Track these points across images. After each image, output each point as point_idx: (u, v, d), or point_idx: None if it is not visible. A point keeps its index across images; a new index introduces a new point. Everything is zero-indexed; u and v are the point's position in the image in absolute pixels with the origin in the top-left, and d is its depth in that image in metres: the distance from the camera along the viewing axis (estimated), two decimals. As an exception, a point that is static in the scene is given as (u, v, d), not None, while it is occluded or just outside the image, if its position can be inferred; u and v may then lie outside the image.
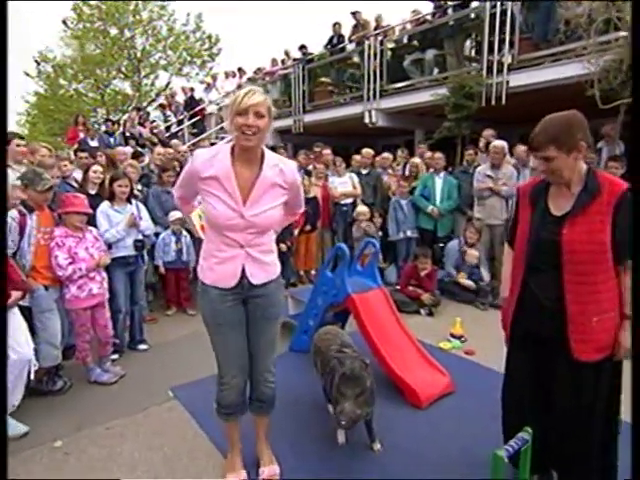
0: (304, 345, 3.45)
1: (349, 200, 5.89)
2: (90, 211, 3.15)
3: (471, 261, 4.88)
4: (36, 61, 19.91)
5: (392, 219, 5.61)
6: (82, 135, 8.54)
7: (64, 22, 18.64)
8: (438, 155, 5.65)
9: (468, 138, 6.30)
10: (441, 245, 5.42)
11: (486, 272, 4.98)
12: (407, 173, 6.15)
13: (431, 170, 5.76)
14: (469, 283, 4.86)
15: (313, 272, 5.85)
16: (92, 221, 3.52)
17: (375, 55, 7.79)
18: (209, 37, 19.88)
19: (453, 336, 3.86)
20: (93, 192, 4.15)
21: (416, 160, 6.18)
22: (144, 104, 18.78)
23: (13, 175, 3.98)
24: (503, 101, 5.88)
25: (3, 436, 2.07)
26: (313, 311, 3.54)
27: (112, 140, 8.55)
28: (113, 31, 18.64)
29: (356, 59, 8.68)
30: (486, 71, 6.09)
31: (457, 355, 3.58)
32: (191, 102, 11.34)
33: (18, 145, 4.08)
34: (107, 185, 3.84)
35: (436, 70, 7.12)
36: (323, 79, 9.37)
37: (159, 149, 5.78)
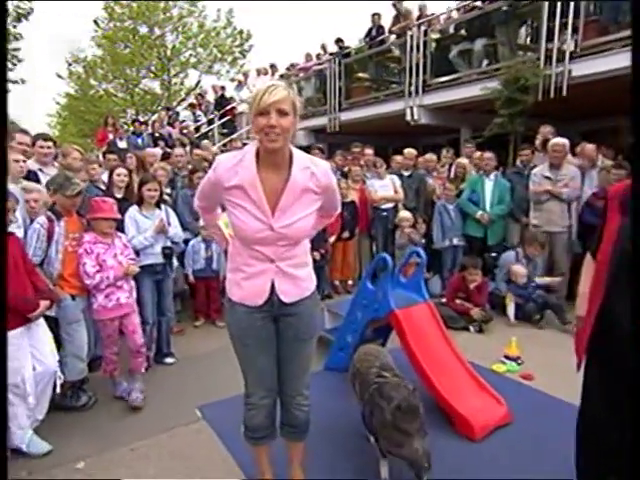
0: (341, 363, 3.36)
1: (390, 205, 5.83)
2: (119, 216, 3.19)
3: (520, 281, 4.63)
4: (67, 62, 20.91)
5: (437, 225, 5.48)
6: (111, 136, 8.85)
7: (95, 22, 19.48)
8: (488, 155, 5.45)
9: (522, 136, 6.06)
10: (492, 255, 5.21)
11: (552, 280, 4.69)
12: (453, 175, 5.97)
13: (480, 171, 5.56)
14: (510, 313, 4.59)
15: (350, 282, 5.79)
16: (120, 226, 3.59)
17: (418, 47, 7.67)
18: (240, 33, 20.28)
19: (508, 357, 3.68)
20: (119, 196, 4.23)
21: (463, 160, 6.01)
22: (174, 104, 19.31)
23: (43, 178, 4.15)
24: (564, 93, 5.62)
25: (3, 436, 2.10)
26: (352, 326, 3.44)
27: (140, 141, 8.79)
28: (143, 29, 19.32)
29: (397, 52, 8.61)
30: (544, 60, 5.86)
31: (513, 379, 3.40)
32: (221, 101, 11.55)
33: (42, 147, 4.25)
34: (136, 189, 3.90)
35: (486, 61, 6.93)
36: (361, 74, 9.34)
37: (179, 150, 5.86)
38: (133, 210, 3.69)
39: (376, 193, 5.82)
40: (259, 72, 11.66)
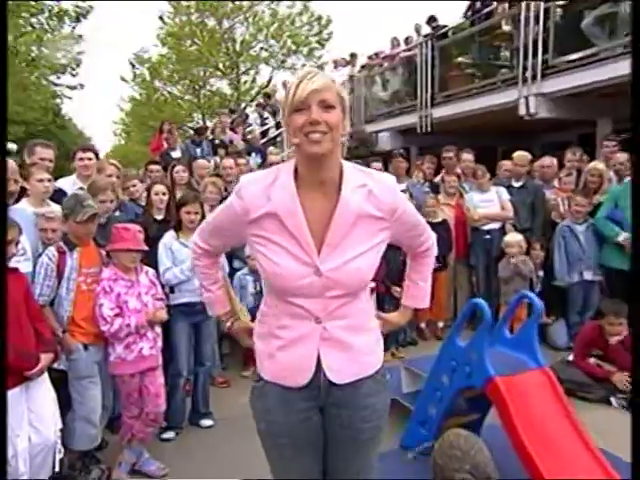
0: (422, 442, 3.11)
1: (495, 225, 5.55)
2: (144, 247, 3.16)
3: None
4: (131, 63, 22.77)
5: (560, 253, 5.09)
6: (165, 145, 9.24)
7: (161, 18, 21.06)
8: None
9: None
10: (643, 296, 4.54)
11: None
12: (582, 185, 5.41)
13: (626, 180, 4.92)
14: None
15: (441, 325, 5.55)
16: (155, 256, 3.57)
17: (537, 18, 7.16)
18: (318, 19, 20.74)
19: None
20: (159, 217, 4.26)
21: (599, 166, 5.42)
22: (243, 105, 20.13)
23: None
24: None
25: (3, 436, 2.13)
26: (435, 394, 3.18)
27: (199, 150, 9.06)
28: (210, 23, 20.44)
29: (507, 27, 8.22)
30: None
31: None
32: (292, 100, 11.66)
33: (82, 159, 4.43)
34: (174, 210, 3.88)
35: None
36: (460, 59, 9.10)
37: (227, 161, 5.86)
38: (169, 237, 3.67)
39: (476, 210, 5.54)
40: (336, 63, 11.74)
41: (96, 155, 4.63)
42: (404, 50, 10.46)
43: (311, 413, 1.66)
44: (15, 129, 16.74)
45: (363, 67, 11.43)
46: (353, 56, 11.65)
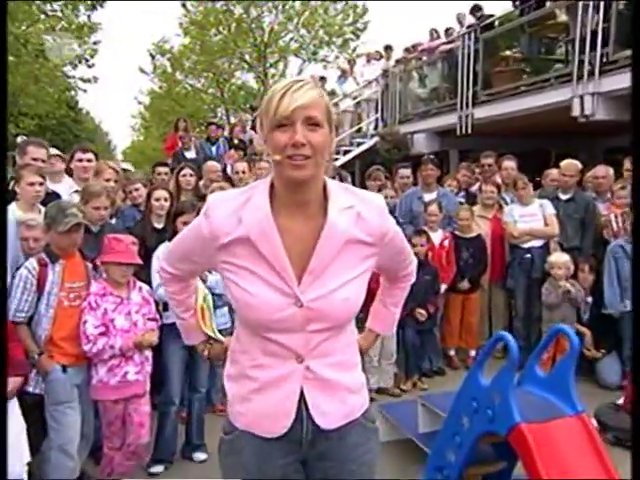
0: None
1: (537, 242, 5.40)
2: (137, 261, 3.17)
3: None
4: (151, 54, 23.22)
5: (612, 276, 4.89)
6: (180, 144, 9.35)
7: (183, 5, 21.40)
8: None
9: None
10: None
11: None
12: (643, 199, 5.20)
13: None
14: None
15: (472, 354, 5.48)
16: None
17: (597, 7, 7.02)
18: (354, 8, 20.76)
19: None
20: (159, 226, 4.26)
21: (660, 177, 5.17)
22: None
23: (77, 199, 4.33)
24: None
25: (3, 435, 2.18)
26: (455, 438, 3.04)
27: (215, 150, 9.13)
28: (237, 10, 20.69)
29: (562, 17, 8.13)
30: None
31: None
32: (320, 96, 11.71)
33: (80, 160, 4.48)
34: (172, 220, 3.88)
35: None
36: (507, 53, 9.12)
37: (240, 165, 5.87)
38: (163, 249, 3.62)
39: (516, 225, 5.41)
40: (369, 57, 11.73)
41: (96, 156, 4.69)
42: (444, 42, 10.43)
43: (291, 469, 1.60)
44: (26, 122, 17.29)
45: (398, 61, 11.41)
46: (388, 49, 11.67)
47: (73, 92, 19.83)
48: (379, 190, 5.47)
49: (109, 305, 3.03)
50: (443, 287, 5.16)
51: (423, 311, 4.78)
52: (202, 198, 4.61)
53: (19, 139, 9.29)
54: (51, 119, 18.87)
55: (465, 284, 5.27)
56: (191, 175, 5.21)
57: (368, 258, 1.58)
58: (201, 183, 5.50)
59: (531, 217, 5.38)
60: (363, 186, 5.82)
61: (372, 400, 4.38)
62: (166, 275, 1.79)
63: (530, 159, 7.60)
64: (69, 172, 4.63)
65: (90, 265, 3.15)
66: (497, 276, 5.57)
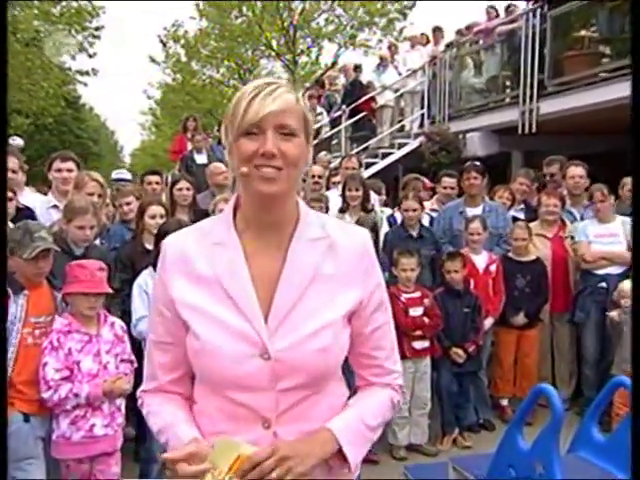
0: None
1: (616, 269, 5.26)
2: (105, 290, 3.18)
3: None
4: (162, 41, 23.74)
5: None
6: (189, 147, 9.51)
7: (201, -16, 21.86)
8: None
9: None
10: None
11: None
12: None
13: None
14: None
15: None
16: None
17: None
18: (400, -19, 20.82)
19: None
20: (150, 247, 4.31)
21: None
22: (300, 93, 20.47)
23: (56, 216, 4.43)
24: None
25: (3, 434, 2.25)
26: None
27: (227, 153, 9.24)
28: (263, -11, 21.02)
29: None
30: None
31: None
32: (353, 89, 11.81)
33: (59, 170, 4.57)
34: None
35: None
36: (582, 32, 8.99)
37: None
38: (145, 276, 3.71)
39: (589, 247, 5.26)
40: (413, 42, 11.67)
41: (77, 165, 4.77)
42: (504, 22, 10.33)
43: None
44: (19, 121, 17.84)
45: (449, 46, 11.36)
46: (437, 31, 11.63)
47: (72, 86, 20.41)
48: (421, 203, 5.38)
49: (74, 344, 3.02)
50: (489, 321, 5.07)
51: (460, 351, 4.66)
52: (203, 217, 4.63)
53: (11, 140, 9.59)
54: (47, 117, 19.41)
55: (520, 318, 5.14)
56: (188, 189, 5.24)
57: (348, 301, 1.56)
58: (200, 196, 5.56)
59: (611, 237, 5.23)
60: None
61: (401, 460, 4.39)
62: (156, 363, 1.66)
63: (610, 163, 7.42)
64: (47, 183, 4.75)
65: (59, 296, 3.19)
66: (561, 308, 5.45)
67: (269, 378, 1.49)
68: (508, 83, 10.17)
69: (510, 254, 5.30)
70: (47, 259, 3.07)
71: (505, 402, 5.33)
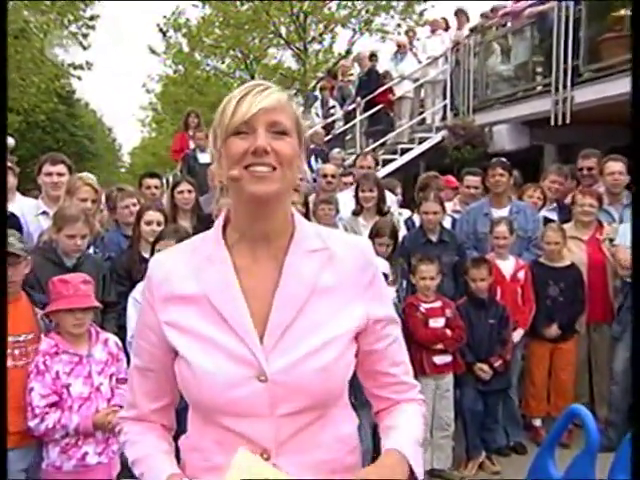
0: None
1: None
2: (93, 304, 3.17)
3: None
4: (161, 30, 23.84)
5: None
6: (192, 145, 9.51)
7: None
8: None
9: None
10: None
11: None
12: None
13: None
14: None
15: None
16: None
17: None
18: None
19: None
20: (148, 256, 4.31)
21: None
22: (312, 84, 20.47)
23: (45, 223, 4.45)
24: None
25: (3, 434, 2.33)
26: None
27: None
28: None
29: None
30: None
31: None
32: (369, 79, 11.75)
33: (49, 174, 4.59)
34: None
35: None
36: (622, 12, 8.87)
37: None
38: (140, 288, 3.67)
39: (628, 251, 5.14)
40: (434, 26, 11.61)
41: (69, 168, 4.79)
42: (535, 3, 10.21)
43: None
44: (11, 119, 17.94)
45: (473, 30, 11.30)
46: (460, 13, 11.57)
47: (65, 80, 20.51)
48: (442, 204, 5.33)
49: (62, 366, 3.02)
50: (519, 334, 5.03)
51: (485, 366, 4.61)
52: (206, 221, 4.61)
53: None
54: (39, 114, 19.56)
55: (554, 330, 5.09)
56: (190, 192, 5.22)
57: (353, 316, 1.57)
58: (203, 198, 5.56)
59: (656, 241, 5.17)
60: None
61: (422, 486, 4.36)
62: (138, 393, 1.70)
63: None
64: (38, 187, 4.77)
65: (40, 312, 3.19)
66: (599, 318, 5.36)
67: (267, 402, 1.49)
68: (539, 70, 10.10)
69: (542, 259, 5.24)
70: (16, 267, 3.04)
71: (538, 422, 5.27)
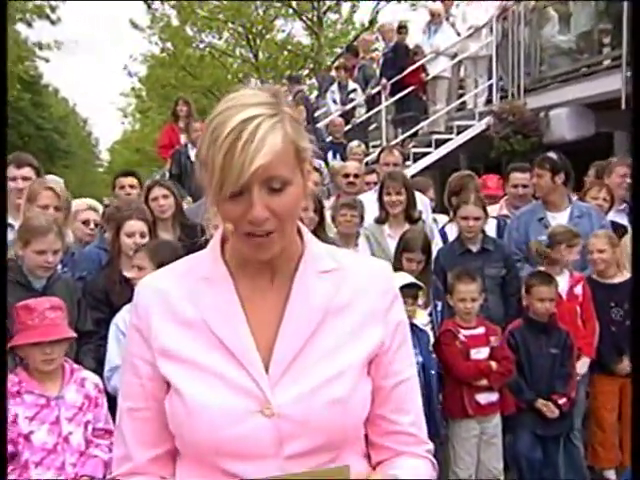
0: None
1: None
2: (64, 335, 3.21)
3: None
4: (145, 1, 23.92)
5: None
6: (183, 140, 9.57)
7: None
8: None
9: None
10: None
11: None
12: None
13: None
14: None
15: None
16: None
17: None
18: None
19: None
20: (131, 275, 4.37)
21: None
22: (328, 63, 20.51)
23: (11, 235, 4.50)
24: None
25: (3, 434, 2.53)
26: None
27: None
28: None
29: None
30: None
31: None
32: (396, 57, 11.77)
33: (14, 178, 4.62)
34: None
35: None
36: None
37: None
38: (125, 313, 3.76)
39: None
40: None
41: (37, 172, 4.83)
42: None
43: None
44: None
45: (521, -3, 11.31)
46: (508, -27, 11.54)
47: (30, 62, 20.66)
48: (484, 209, 5.27)
49: (24, 410, 3.06)
50: (584, 364, 5.01)
51: (551, 404, 4.56)
52: (193, 233, 4.60)
53: None
54: (0, 104, 19.74)
55: (626, 364, 4.98)
56: (165, 197, 5.15)
57: (369, 341, 1.62)
58: (195, 205, 5.60)
59: None
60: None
61: None
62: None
63: None
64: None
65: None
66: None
67: (273, 441, 1.53)
68: (606, 41, 10.04)
69: (593, 275, 5.18)
70: None
71: (611, 474, 5.24)
